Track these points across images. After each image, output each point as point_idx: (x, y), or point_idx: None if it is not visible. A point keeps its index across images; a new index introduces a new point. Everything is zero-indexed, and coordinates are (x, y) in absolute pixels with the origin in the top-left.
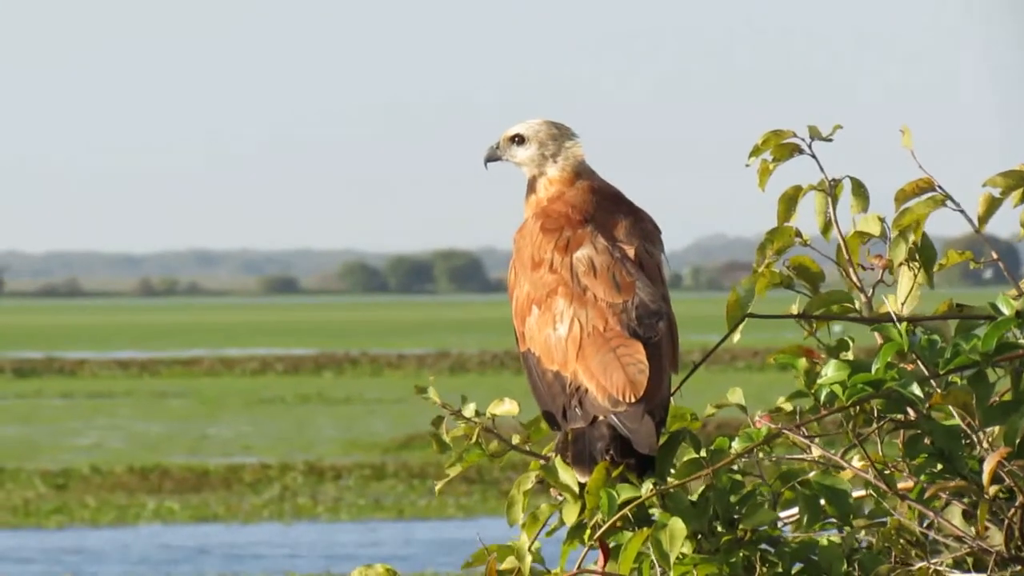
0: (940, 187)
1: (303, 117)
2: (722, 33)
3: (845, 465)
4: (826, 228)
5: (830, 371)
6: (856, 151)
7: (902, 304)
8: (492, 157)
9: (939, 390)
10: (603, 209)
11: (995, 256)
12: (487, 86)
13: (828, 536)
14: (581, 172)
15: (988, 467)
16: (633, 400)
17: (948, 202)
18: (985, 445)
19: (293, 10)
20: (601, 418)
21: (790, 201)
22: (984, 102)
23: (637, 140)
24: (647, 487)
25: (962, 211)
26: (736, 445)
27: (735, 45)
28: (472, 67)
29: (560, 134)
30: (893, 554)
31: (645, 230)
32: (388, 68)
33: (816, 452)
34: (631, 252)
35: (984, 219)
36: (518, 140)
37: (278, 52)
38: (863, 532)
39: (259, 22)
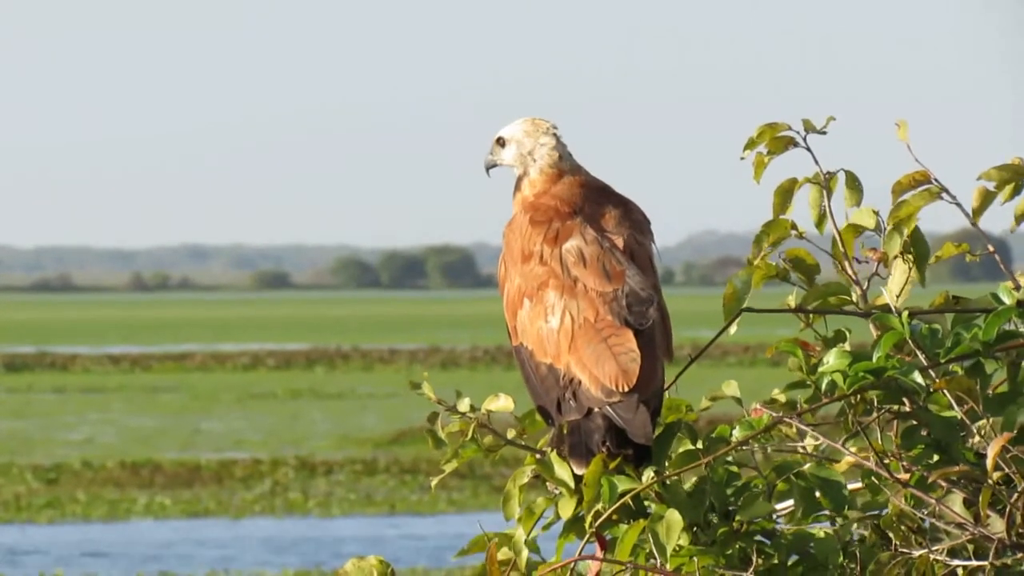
0: (936, 180)
1: (296, 112)
2: (714, 29)
3: (845, 451)
4: (820, 221)
5: (831, 359)
6: (853, 144)
7: (897, 296)
8: (490, 164)
9: (938, 379)
10: (591, 201)
11: (991, 249)
12: (481, 82)
13: (822, 528)
14: (566, 168)
15: (992, 451)
16: (626, 389)
17: (944, 195)
18: (978, 438)
19: (288, 4)
20: (596, 409)
21: (786, 193)
22: (984, 95)
23: (629, 137)
24: (647, 476)
25: (958, 204)
26: (737, 433)
27: (727, 41)
28: (466, 63)
29: (535, 130)
30: (893, 542)
31: (634, 220)
32: (382, 64)
33: (809, 441)
34: (620, 242)
35: (979, 212)
36: (501, 143)
37: (272, 47)
38: (855, 525)
39: (254, 17)
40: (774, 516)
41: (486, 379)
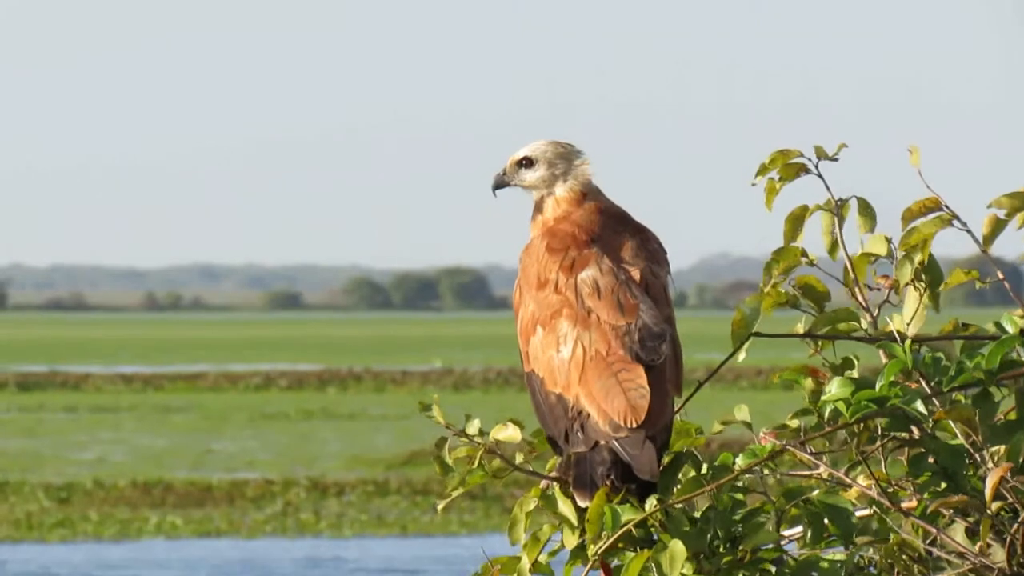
0: (947, 206)
1: (308, 133)
2: (727, 51)
3: (850, 483)
4: (833, 248)
5: (834, 388)
6: (864, 170)
7: (908, 324)
8: (500, 184)
9: (942, 408)
10: (609, 229)
11: (1000, 276)
12: (493, 103)
13: (833, 553)
14: (588, 192)
15: (990, 483)
16: (634, 425)
17: (955, 222)
18: (990, 464)
19: (300, 22)
20: (603, 443)
21: (796, 221)
22: (993, 121)
23: (642, 158)
24: (651, 503)
25: (968, 231)
26: (740, 461)
27: (740, 63)
28: (477, 84)
29: (568, 152)
30: (896, 571)
31: (651, 251)
32: (394, 83)
33: (822, 470)
34: (636, 274)
35: (989, 240)
36: (526, 163)
37: (283, 66)
38: (871, 550)
39: (263, 39)
40: (783, 542)
41: (499, 401)
